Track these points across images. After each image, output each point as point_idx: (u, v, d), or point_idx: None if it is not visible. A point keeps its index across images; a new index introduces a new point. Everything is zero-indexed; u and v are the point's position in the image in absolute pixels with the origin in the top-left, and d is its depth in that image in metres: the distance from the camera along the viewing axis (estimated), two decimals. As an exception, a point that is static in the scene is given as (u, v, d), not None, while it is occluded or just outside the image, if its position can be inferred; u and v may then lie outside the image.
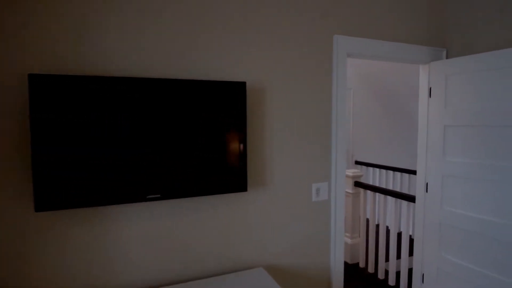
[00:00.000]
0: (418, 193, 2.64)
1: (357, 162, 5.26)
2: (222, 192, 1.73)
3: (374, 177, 4.98)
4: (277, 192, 2.03)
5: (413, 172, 4.26)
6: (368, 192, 3.33)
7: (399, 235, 4.00)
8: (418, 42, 2.44)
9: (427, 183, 2.56)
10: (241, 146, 1.76)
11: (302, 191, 2.11)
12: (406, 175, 4.44)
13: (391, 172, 4.67)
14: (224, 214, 1.89)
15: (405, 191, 4.47)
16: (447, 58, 2.52)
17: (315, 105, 2.11)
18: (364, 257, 3.55)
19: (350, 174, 3.56)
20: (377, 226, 4.54)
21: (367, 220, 4.52)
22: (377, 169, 4.89)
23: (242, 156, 1.76)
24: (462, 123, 2.29)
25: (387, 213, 3.31)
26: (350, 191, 3.59)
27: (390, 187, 4.68)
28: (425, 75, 2.57)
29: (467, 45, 2.42)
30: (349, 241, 3.64)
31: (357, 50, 2.20)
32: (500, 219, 2.10)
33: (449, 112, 2.37)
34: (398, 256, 3.52)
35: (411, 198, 2.87)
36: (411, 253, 3.37)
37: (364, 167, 5.16)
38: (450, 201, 2.39)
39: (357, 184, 3.54)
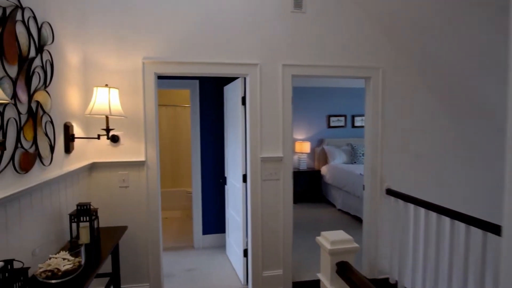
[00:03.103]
0: None
1: (389, 192, 3.09)
2: None
3: (416, 226, 2.77)
4: None
5: (495, 230, 2.03)
6: None
7: None
8: None
9: None
10: None
11: None
12: (478, 232, 2.20)
13: (448, 220, 2.44)
14: None
15: (473, 275, 2.23)
16: None
17: None
18: None
19: (327, 245, 1.53)
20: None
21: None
22: (422, 210, 2.68)
23: None
24: None
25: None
26: (327, 284, 1.56)
27: (445, 263, 2.45)
28: None
29: None
30: None
31: None
32: None
33: None
34: None
35: None
36: None
37: (400, 202, 2.96)
38: None
39: (343, 269, 1.51)
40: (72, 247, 1.80)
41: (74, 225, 2.06)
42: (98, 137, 2.34)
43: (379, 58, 3.07)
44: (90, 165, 2.55)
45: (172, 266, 3.53)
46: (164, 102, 6.18)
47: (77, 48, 2.40)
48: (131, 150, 2.67)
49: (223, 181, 3.78)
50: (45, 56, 1.88)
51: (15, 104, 1.55)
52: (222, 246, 4.08)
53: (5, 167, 1.46)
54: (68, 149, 2.17)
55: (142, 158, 2.68)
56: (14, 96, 1.55)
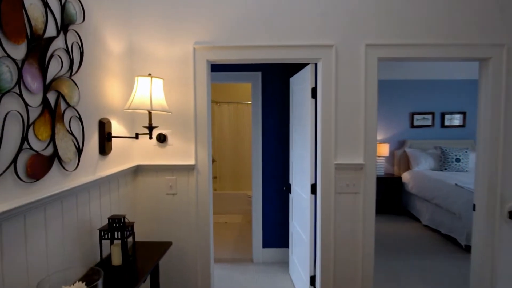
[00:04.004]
0: None
1: (516, 216, 2.23)
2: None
3: None
4: None
5: None
6: None
7: None
8: None
9: None
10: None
11: None
12: None
13: None
14: None
15: None
16: None
17: None
18: None
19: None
20: None
21: None
22: None
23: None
24: None
25: None
26: None
27: None
28: None
29: None
30: None
31: None
32: None
33: None
34: None
35: None
36: None
37: (536, 232, 2.10)
38: None
39: None
40: (96, 272, 1.44)
41: (107, 242, 1.71)
42: (137, 136, 1.98)
43: (502, 31, 2.23)
44: (134, 168, 2.22)
45: (226, 283, 3.11)
46: (225, 99, 5.86)
47: (117, 30, 2.06)
48: (180, 151, 2.29)
49: (287, 188, 3.25)
50: (71, 38, 1.55)
51: (20, 94, 1.21)
52: (284, 263, 3.55)
53: (0, 174, 1.12)
54: (103, 150, 1.84)
55: (192, 162, 2.27)
56: (19, 83, 1.20)
